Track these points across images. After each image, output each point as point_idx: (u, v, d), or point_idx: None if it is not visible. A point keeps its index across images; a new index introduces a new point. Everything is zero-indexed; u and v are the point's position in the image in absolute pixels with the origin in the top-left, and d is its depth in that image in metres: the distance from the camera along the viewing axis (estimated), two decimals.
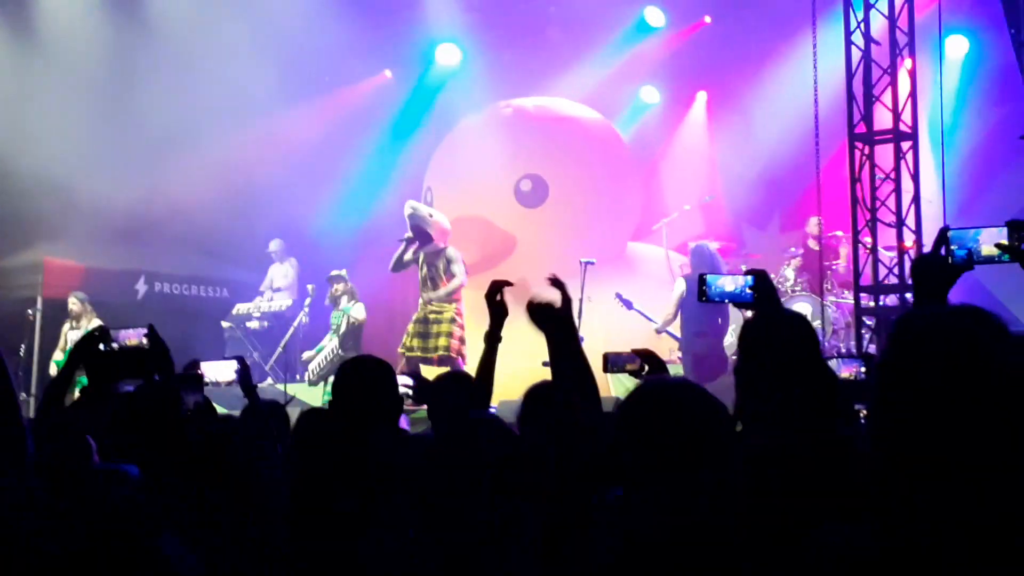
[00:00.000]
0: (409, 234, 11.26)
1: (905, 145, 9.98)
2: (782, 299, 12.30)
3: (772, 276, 12.73)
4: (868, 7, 10.18)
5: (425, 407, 5.81)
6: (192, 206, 13.58)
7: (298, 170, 14.65)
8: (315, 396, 12.03)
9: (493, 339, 4.31)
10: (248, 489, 3.25)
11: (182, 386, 4.37)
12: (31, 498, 2.92)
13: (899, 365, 1.96)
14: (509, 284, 4.28)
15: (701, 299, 4.15)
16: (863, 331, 10.07)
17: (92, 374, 4.20)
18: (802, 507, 2.43)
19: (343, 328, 12.39)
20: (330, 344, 12.52)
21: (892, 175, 9.95)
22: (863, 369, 4.64)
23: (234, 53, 13.25)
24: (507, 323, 4.35)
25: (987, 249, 3.33)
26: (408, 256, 11.29)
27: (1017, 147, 12.05)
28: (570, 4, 14.80)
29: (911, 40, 10.15)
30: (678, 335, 11.43)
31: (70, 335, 12.28)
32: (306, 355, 12.95)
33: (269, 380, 12.76)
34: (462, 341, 11.11)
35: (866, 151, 10.04)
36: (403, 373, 5.48)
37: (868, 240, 10.08)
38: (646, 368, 4.61)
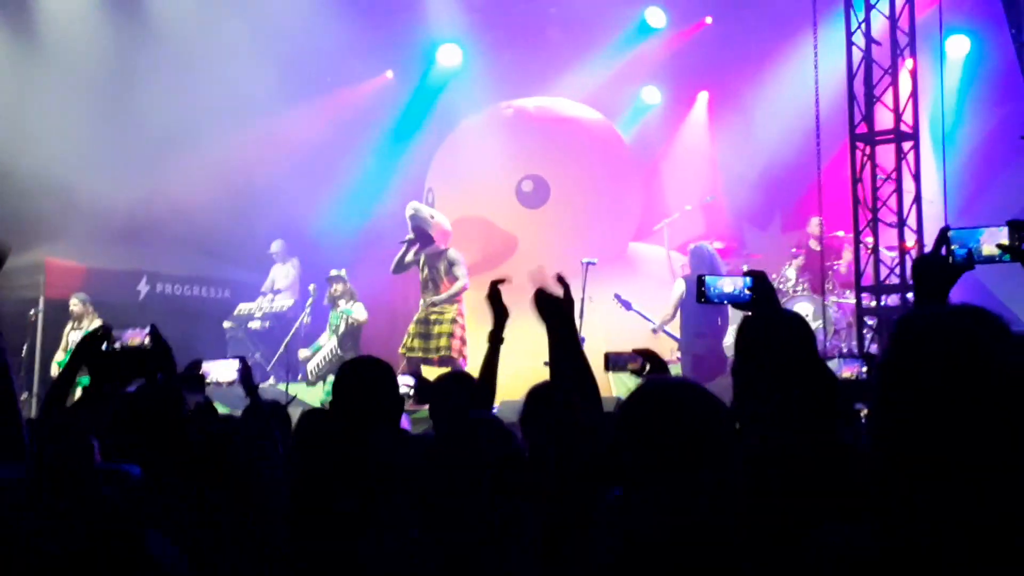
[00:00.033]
0: (410, 235, 11.26)
1: (906, 145, 9.98)
2: (784, 299, 12.38)
3: (773, 276, 12.78)
4: (869, 7, 10.18)
5: (426, 407, 5.81)
6: (193, 206, 13.58)
7: (299, 170, 14.64)
8: (316, 396, 12.03)
9: (496, 339, 4.32)
10: (249, 489, 3.25)
11: (184, 386, 4.37)
12: (32, 498, 2.92)
13: (900, 365, 1.96)
14: (506, 281, 4.28)
15: (700, 300, 4.15)
16: (864, 331, 10.07)
17: (94, 374, 4.20)
18: (801, 507, 2.43)
19: (342, 328, 12.39)
20: (329, 344, 12.51)
21: (893, 175, 9.95)
22: (864, 369, 4.64)
23: (235, 53, 13.25)
24: (509, 323, 4.36)
25: (988, 249, 3.32)
26: (409, 258, 11.29)
27: (1018, 147, 12.05)
28: (571, 5, 14.80)
29: (912, 40, 10.15)
30: (677, 335, 11.43)
31: (71, 336, 12.28)
32: (302, 354, 12.94)
33: (271, 380, 12.76)
34: (463, 341, 11.11)
35: (867, 151, 10.04)
36: (404, 373, 5.50)
37: (869, 240, 10.08)
38: (647, 367, 4.61)
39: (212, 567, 2.92)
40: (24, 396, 12.57)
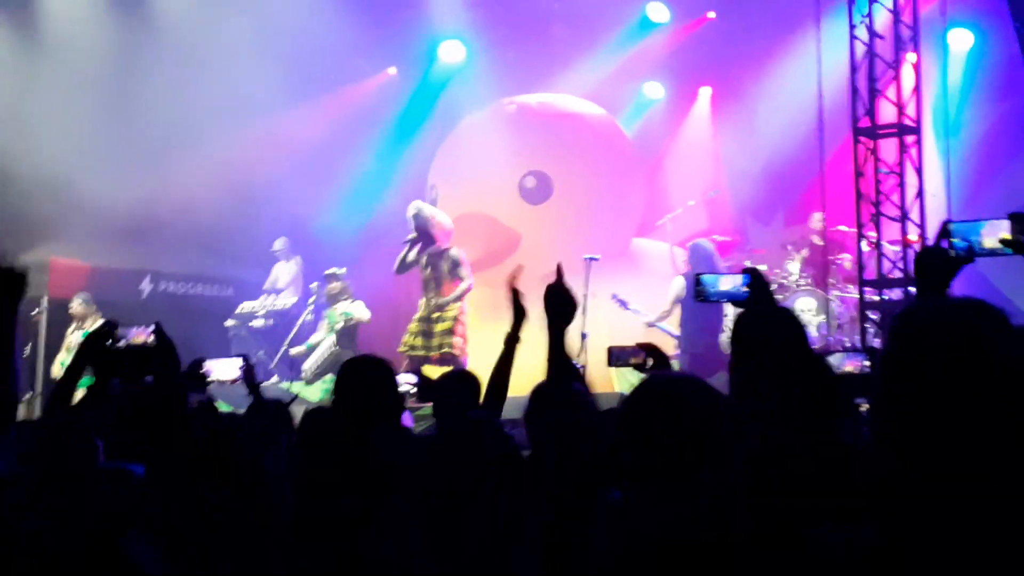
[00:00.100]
0: (413, 235, 11.26)
1: (909, 139, 9.97)
2: (786, 293, 12.36)
3: (776, 271, 12.77)
4: (872, 1, 10.17)
5: (428, 404, 5.81)
6: (196, 205, 13.58)
7: (302, 168, 14.64)
8: (314, 394, 12.01)
9: (512, 341, 4.28)
10: (252, 487, 3.25)
11: (186, 385, 4.38)
12: (33, 497, 2.92)
13: (902, 358, 1.95)
14: (517, 273, 4.26)
15: (698, 299, 4.16)
16: (867, 325, 10.06)
17: (99, 372, 4.21)
18: (801, 507, 2.42)
19: (341, 326, 12.36)
20: (326, 342, 12.47)
21: (896, 169, 9.94)
22: (867, 363, 4.63)
23: (237, 51, 13.24)
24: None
25: (989, 241, 3.32)
26: (412, 257, 11.28)
27: (1021, 140, 12.04)
28: (573, 0, 14.79)
29: (915, 34, 10.14)
30: (674, 332, 11.44)
31: (73, 337, 12.28)
32: (295, 350, 12.92)
33: (274, 379, 12.76)
34: (465, 339, 11.10)
35: (870, 145, 10.03)
36: (406, 372, 5.50)
37: (873, 234, 10.07)
38: (650, 362, 4.61)
39: (214, 565, 2.93)
40: (28, 396, 12.57)
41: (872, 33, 10.13)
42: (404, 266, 11.35)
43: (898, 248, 10.05)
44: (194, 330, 11.61)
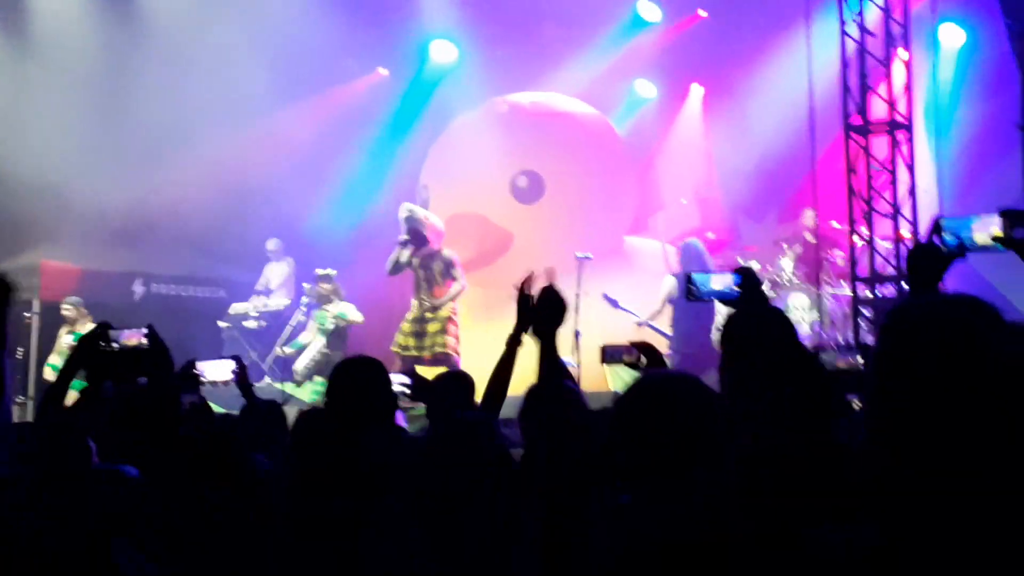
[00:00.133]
0: (404, 236, 11.25)
1: (900, 136, 9.99)
2: (779, 290, 12.37)
3: (769, 268, 12.77)
4: None
5: (421, 404, 5.80)
6: (188, 207, 13.56)
7: (293, 170, 14.62)
8: (305, 396, 11.99)
9: (515, 343, 4.28)
10: (247, 488, 3.25)
11: (179, 386, 4.38)
12: (31, 498, 2.92)
13: (894, 355, 1.95)
14: (531, 279, 4.25)
15: (689, 298, 4.17)
16: (860, 322, 10.08)
17: (92, 374, 4.20)
18: (796, 508, 2.42)
19: (332, 327, 12.33)
20: (316, 343, 12.44)
21: (888, 166, 9.96)
22: (860, 360, 4.63)
23: (228, 53, 13.23)
24: (510, 317, 4.33)
25: (980, 237, 3.32)
26: (404, 259, 11.28)
27: (1012, 136, 12.05)
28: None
29: (906, 31, 10.16)
30: (665, 331, 11.43)
31: (65, 340, 12.24)
32: (284, 350, 12.88)
33: (267, 379, 12.74)
34: (457, 339, 11.10)
35: (862, 142, 10.05)
36: (398, 372, 5.48)
37: (865, 231, 10.09)
38: (644, 360, 4.61)
39: (210, 567, 2.92)
40: (20, 399, 12.55)
41: (863, 30, 10.15)
42: (396, 267, 11.33)
43: (890, 244, 10.07)
44: (186, 332, 11.59)
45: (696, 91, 16.16)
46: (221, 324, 14.11)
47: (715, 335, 10.87)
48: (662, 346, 11.14)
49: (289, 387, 12.22)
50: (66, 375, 4.24)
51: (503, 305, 4.56)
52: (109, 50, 13.49)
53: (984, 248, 3.32)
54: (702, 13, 15.43)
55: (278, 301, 14.24)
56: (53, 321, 12.71)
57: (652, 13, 15.33)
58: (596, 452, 2.90)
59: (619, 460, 2.33)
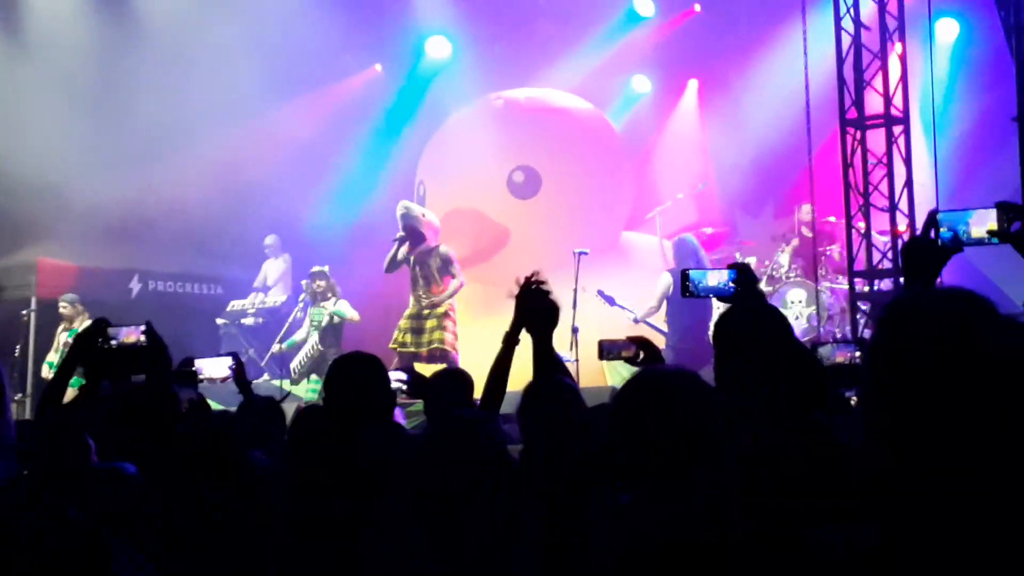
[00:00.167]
0: (401, 233, 11.26)
1: (896, 129, 10.00)
2: (777, 285, 12.39)
3: (766, 262, 12.75)
4: None
5: (418, 400, 5.80)
6: (185, 204, 13.56)
7: (290, 167, 14.62)
8: (301, 393, 11.99)
9: (511, 341, 4.28)
10: (245, 486, 3.25)
11: (177, 383, 4.37)
12: (30, 498, 2.92)
13: (890, 349, 1.96)
14: (543, 281, 4.26)
15: (685, 295, 4.16)
16: (858, 316, 10.08)
17: (90, 371, 4.20)
18: (795, 507, 2.43)
19: (327, 323, 12.32)
20: (310, 340, 12.44)
21: (884, 160, 9.97)
22: (858, 354, 4.64)
23: (223, 51, 13.22)
24: (508, 313, 4.33)
25: (977, 231, 3.32)
26: (401, 255, 11.28)
27: (1008, 129, 12.04)
28: None
29: (901, 24, 10.17)
30: (661, 327, 11.43)
31: (62, 337, 12.25)
32: (279, 347, 12.89)
33: (265, 376, 12.75)
34: (455, 335, 11.11)
35: (858, 136, 10.05)
36: (396, 369, 5.48)
37: (862, 225, 10.09)
38: (641, 355, 4.62)
39: (208, 565, 2.93)
40: (18, 397, 12.54)
41: (858, 24, 10.15)
42: (393, 264, 11.34)
43: (887, 238, 10.08)
44: (184, 329, 11.60)
45: (692, 86, 16.16)
46: (219, 321, 14.12)
47: (711, 331, 10.86)
48: (659, 342, 11.15)
49: (286, 384, 12.22)
50: (64, 373, 4.24)
51: (501, 301, 4.55)
52: (105, 48, 13.49)
53: (980, 242, 3.32)
54: (697, 8, 15.43)
55: (275, 297, 14.25)
56: (50, 319, 12.72)
57: (647, 8, 15.33)
58: (594, 450, 2.90)
59: (618, 458, 2.34)
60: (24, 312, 13.18)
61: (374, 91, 15.66)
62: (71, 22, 13.62)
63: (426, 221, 11.35)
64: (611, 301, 11.62)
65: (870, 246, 10.05)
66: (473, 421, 3.36)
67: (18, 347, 12.93)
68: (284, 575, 3.20)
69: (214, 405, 5.95)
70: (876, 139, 10.08)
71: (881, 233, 10.27)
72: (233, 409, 5.26)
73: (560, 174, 13.41)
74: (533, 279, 4.22)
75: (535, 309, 3.75)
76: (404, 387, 5.23)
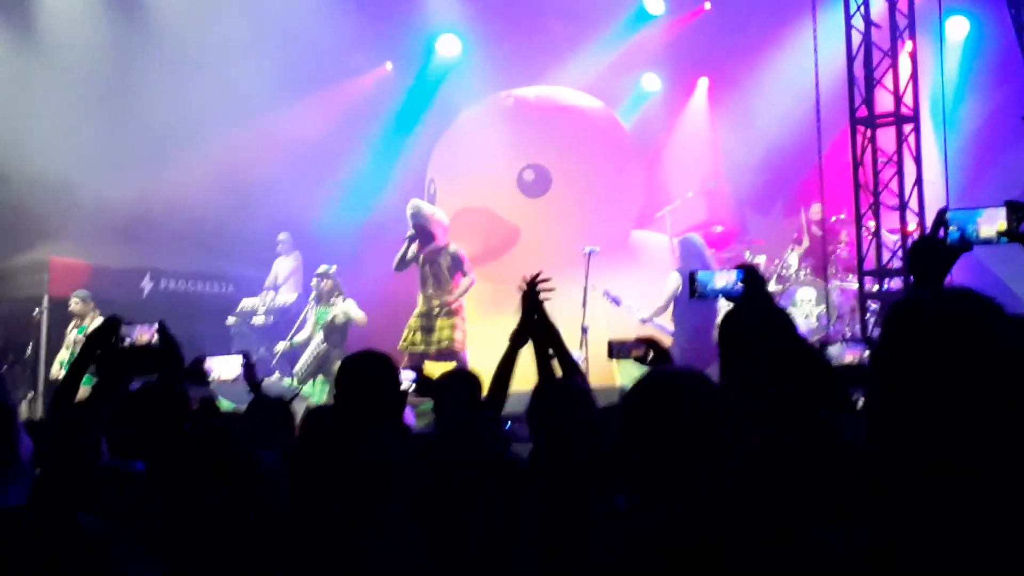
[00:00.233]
0: (411, 232, 11.26)
1: (907, 128, 9.98)
2: (787, 285, 12.37)
3: (776, 261, 12.70)
4: None
5: (428, 399, 5.81)
6: (195, 202, 13.60)
7: (300, 165, 14.65)
8: (311, 392, 12.01)
9: (518, 340, 4.28)
10: (252, 486, 3.25)
11: (187, 382, 4.39)
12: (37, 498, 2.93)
13: (898, 348, 1.96)
14: (548, 285, 4.28)
15: (693, 296, 4.17)
16: (867, 316, 10.07)
17: (103, 370, 4.21)
18: (800, 507, 2.43)
19: (331, 324, 12.30)
20: (315, 340, 12.42)
21: (894, 158, 9.95)
22: (867, 354, 4.63)
23: (234, 49, 13.24)
24: (519, 315, 4.34)
25: (986, 230, 3.30)
26: (411, 254, 11.29)
27: (1019, 128, 12.03)
28: None
29: (911, 22, 10.15)
30: (667, 327, 11.39)
31: (72, 335, 12.27)
32: (283, 346, 12.90)
33: (276, 375, 12.77)
34: (464, 334, 11.11)
35: (868, 134, 10.04)
36: (406, 368, 5.48)
37: (872, 224, 10.08)
38: (651, 355, 4.62)
39: (214, 564, 2.93)
40: (30, 395, 12.59)
41: (868, 22, 10.13)
42: (403, 263, 11.34)
43: (896, 237, 10.06)
44: (195, 328, 11.62)
45: (702, 84, 16.15)
46: (230, 320, 14.14)
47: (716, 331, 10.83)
48: (665, 342, 11.12)
49: (295, 382, 12.24)
50: (76, 371, 4.25)
51: (510, 299, 4.57)
52: (115, 48, 13.53)
53: (990, 241, 3.30)
54: (707, 6, 15.42)
55: (285, 296, 14.26)
56: (62, 317, 12.75)
57: (657, 6, 15.33)
58: (604, 450, 2.90)
59: (627, 458, 2.34)
60: (36, 310, 13.22)
61: (384, 90, 15.69)
62: (82, 22, 13.67)
63: (436, 220, 11.35)
64: (617, 301, 11.59)
65: (880, 245, 10.03)
66: (475, 424, 3.36)
67: (30, 345, 12.98)
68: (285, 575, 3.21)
69: (226, 404, 5.97)
70: (886, 137, 10.07)
71: (891, 231, 10.26)
72: (243, 408, 5.27)
73: (570, 172, 13.40)
74: (538, 280, 4.24)
75: (532, 314, 3.78)
76: (413, 386, 5.24)
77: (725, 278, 4.05)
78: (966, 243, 3.28)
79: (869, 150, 9.99)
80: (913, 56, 10.18)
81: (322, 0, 13.82)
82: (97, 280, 13.41)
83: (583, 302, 10.76)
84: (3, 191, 12.86)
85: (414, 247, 11.19)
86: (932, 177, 10.25)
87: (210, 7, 13.59)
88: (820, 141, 10.10)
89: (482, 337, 10.65)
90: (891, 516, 1.85)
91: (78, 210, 13.04)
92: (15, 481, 2.74)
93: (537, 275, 4.40)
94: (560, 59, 14.92)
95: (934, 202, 9.74)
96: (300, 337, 12.62)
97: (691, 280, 4.13)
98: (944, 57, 10.64)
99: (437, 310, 11.07)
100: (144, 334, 4.27)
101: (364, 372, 3.75)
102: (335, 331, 12.21)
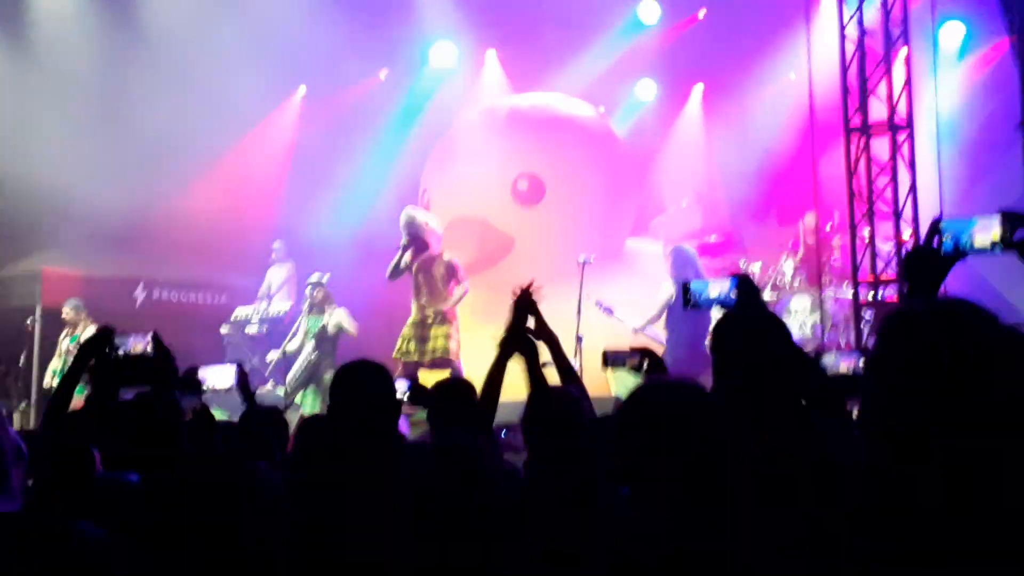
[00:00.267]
0: (405, 241, 11.26)
1: (901, 136, 10.00)
2: (781, 293, 12.37)
3: (771, 270, 12.68)
4: None
5: (422, 409, 5.80)
6: (189, 212, 13.59)
7: (294, 174, 14.64)
8: (305, 402, 11.98)
9: (505, 346, 4.27)
10: (247, 496, 3.24)
11: (181, 392, 4.38)
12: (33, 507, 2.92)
13: (893, 358, 1.95)
14: (539, 290, 4.29)
15: (686, 307, 4.17)
16: (862, 325, 10.08)
17: (97, 380, 4.20)
18: (794, 519, 2.42)
19: (321, 334, 12.26)
20: (305, 350, 12.39)
21: (889, 166, 9.97)
22: (861, 363, 4.63)
23: (228, 58, 13.24)
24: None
25: (981, 239, 3.31)
26: (404, 263, 11.28)
27: (1013, 137, 12.07)
28: (565, 1, 14.80)
29: (905, 29, 10.17)
30: (660, 336, 11.38)
31: (64, 343, 12.24)
32: (270, 356, 12.87)
33: (269, 385, 12.75)
34: (458, 343, 11.09)
35: (862, 143, 10.05)
36: (400, 377, 5.47)
37: (866, 233, 10.09)
38: (645, 364, 4.62)
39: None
40: (23, 406, 12.56)
41: (862, 30, 10.15)
42: (397, 272, 11.33)
43: (890, 246, 10.07)
44: (188, 337, 11.59)
45: (696, 92, 16.18)
46: (223, 329, 14.11)
47: (708, 340, 10.82)
48: (657, 351, 11.10)
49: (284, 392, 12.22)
50: (69, 381, 4.24)
51: (505, 309, 4.56)
52: (110, 57, 13.52)
53: (984, 250, 3.31)
54: (701, 14, 15.45)
55: (279, 305, 14.23)
56: (55, 327, 12.73)
57: (651, 14, 15.35)
58: (599, 459, 2.90)
59: (621, 467, 2.34)
60: (29, 320, 13.19)
61: (379, 98, 15.68)
62: (76, 30, 13.66)
63: (430, 229, 11.35)
64: (609, 311, 11.57)
65: (874, 254, 10.04)
66: (468, 439, 3.35)
67: (23, 356, 12.95)
68: None
69: (218, 414, 5.96)
70: (880, 146, 10.08)
71: (886, 240, 10.27)
72: (237, 418, 5.26)
73: (564, 181, 13.40)
74: (529, 289, 4.24)
75: (521, 323, 3.79)
76: (406, 396, 5.23)
77: (719, 287, 4.05)
78: (960, 252, 3.28)
79: (863, 158, 10.01)
80: (907, 64, 10.20)
81: (317, 8, 13.82)
82: (90, 290, 13.37)
83: (577, 311, 10.76)
84: None
85: (408, 256, 11.18)
86: (926, 185, 10.27)
87: (205, 17, 13.59)
88: (814, 149, 10.13)
89: (477, 346, 10.64)
90: (886, 532, 1.85)
91: (71, 220, 13.01)
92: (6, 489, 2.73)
93: (529, 284, 4.40)
94: (555, 67, 14.93)
95: (928, 211, 9.76)
96: (292, 346, 12.58)
97: (684, 290, 4.13)
98: (938, 64, 10.67)
99: (431, 319, 11.06)
100: (137, 344, 4.26)
101: (359, 381, 3.73)
102: (326, 340, 12.17)
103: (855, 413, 3.39)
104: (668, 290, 11.18)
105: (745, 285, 3.91)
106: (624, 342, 5.04)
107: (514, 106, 14.10)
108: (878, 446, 1.92)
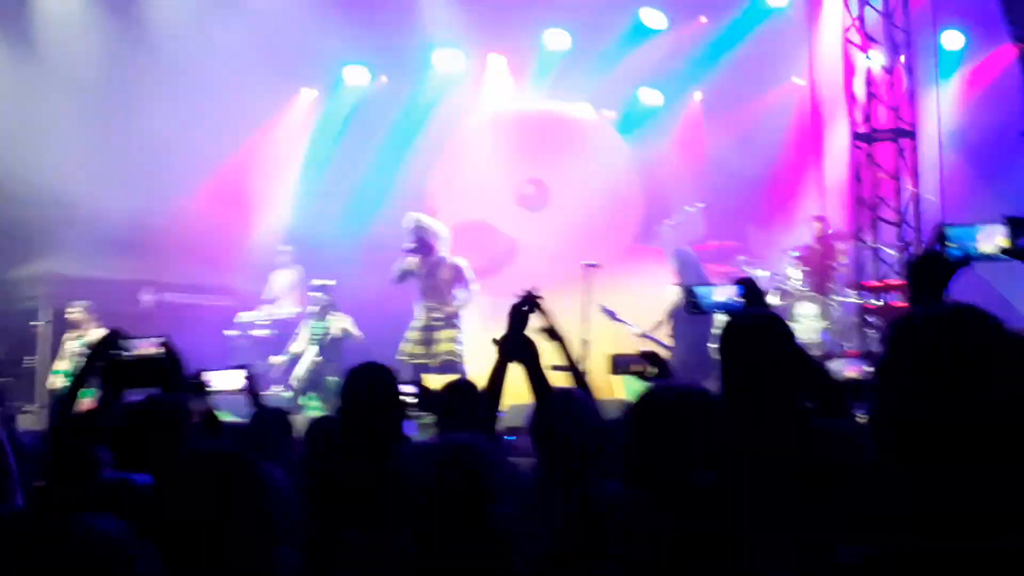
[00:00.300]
0: (411, 245, 11.27)
1: (905, 143, 10.01)
2: (787, 299, 12.36)
3: (776, 276, 12.67)
4: (863, 4, 10.20)
5: (429, 412, 5.82)
6: (194, 215, 13.60)
7: (300, 177, 14.65)
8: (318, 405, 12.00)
9: (504, 352, 4.30)
10: (256, 505, 3.24)
11: (188, 395, 4.40)
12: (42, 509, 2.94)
13: (900, 364, 1.97)
14: (540, 297, 4.31)
15: (691, 311, 4.19)
16: (867, 330, 10.08)
17: (106, 382, 4.22)
18: (797, 520, 2.43)
19: (326, 338, 12.28)
20: (308, 354, 12.39)
21: (893, 173, 9.98)
22: (868, 369, 4.65)
23: (233, 61, 13.26)
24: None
25: (986, 246, 3.31)
26: (411, 267, 11.29)
27: (1017, 143, 12.07)
28: (568, 7, 14.82)
29: (908, 37, 10.19)
30: (666, 343, 11.37)
31: (69, 345, 12.24)
32: (273, 360, 12.89)
33: (281, 387, 12.76)
34: (464, 347, 11.10)
35: (867, 150, 10.07)
36: (406, 380, 5.48)
37: (870, 239, 10.11)
38: (652, 370, 4.64)
39: None
40: (29, 408, 12.55)
41: (865, 37, 10.17)
42: (403, 276, 11.34)
43: (895, 252, 10.08)
44: (194, 340, 11.57)
45: (700, 98, 16.18)
46: (229, 333, 14.12)
47: (712, 344, 10.84)
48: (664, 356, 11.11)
49: (288, 397, 12.23)
50: (77, 383, 4.26)
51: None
52: (114, 59, 13.53)
53: (989, 257, 3.31)
54: (703, 20, 15.46)
55: (286, 309, 14.23)
56: (61, 329, 12.73)
57: (656, 21, 15.35)
58: (608, 461, 2.91)
59: (630, 469, 2.36)
60: (34, 323, 13.20)
61: (384, 103, 15.68)
62: (80, 33, 13.67)
63: (435, 232, 11.36)
64: (613, 315, 11.58)
65: (879, 260, 10.05)
66: (472, 439, 3.36)
67: (28, 358, 12.95)
68: None
69: (225, 416, 5.97)
70: (885, 153, 10.09)
71: (891, 246, 10.28)
72: (244, 420, 5.29)
73: (569, 186, 13.43)
74: (530, 294, 4.26)
75: (520, 328, 3.81)
76: (413, 399, 5.25)
77: (724, 292, 4.07)
78: (966, 258, 3.29)
79: (868, 165, 10.02)
80: (911, 71, 10.22)
81: (321, 12, 13.83)
82: (96, 293, 13.37)
83: (584, 316, 10.77)
84: (2, 204, 12.85)
85: (414, 259, 11.19)
86: (930, 192, 10.28)
87: (209, 19, 13.61)
88: (819, 156, 10.15)
89: (481, 351, 10.64)
90: (894, 535, 1.86)
91: (76, 223, 13.01)
92: (10, 487, 2.76)
93: (531, 290, 4.42)
94: (559, 72, 14.94)
95: (932, 217, 9.78)
96: (294, 350, 12.61)
97: (689, 295, 4.15)
98: (941, 71, 10.69)
99: (437, 323, 11.07)
100: (146, 347, 4.28)
101: (367, 384, 3.75)
102: (330, 345, 12.19)
103: (858, 417, 3.41)
104: (673, 294, 11.19)
105: (750, 290, 3.92)
106: (629, 347, 5.06)
107: (519, 111, 14.12)
108: (888, 449, 1.93)
